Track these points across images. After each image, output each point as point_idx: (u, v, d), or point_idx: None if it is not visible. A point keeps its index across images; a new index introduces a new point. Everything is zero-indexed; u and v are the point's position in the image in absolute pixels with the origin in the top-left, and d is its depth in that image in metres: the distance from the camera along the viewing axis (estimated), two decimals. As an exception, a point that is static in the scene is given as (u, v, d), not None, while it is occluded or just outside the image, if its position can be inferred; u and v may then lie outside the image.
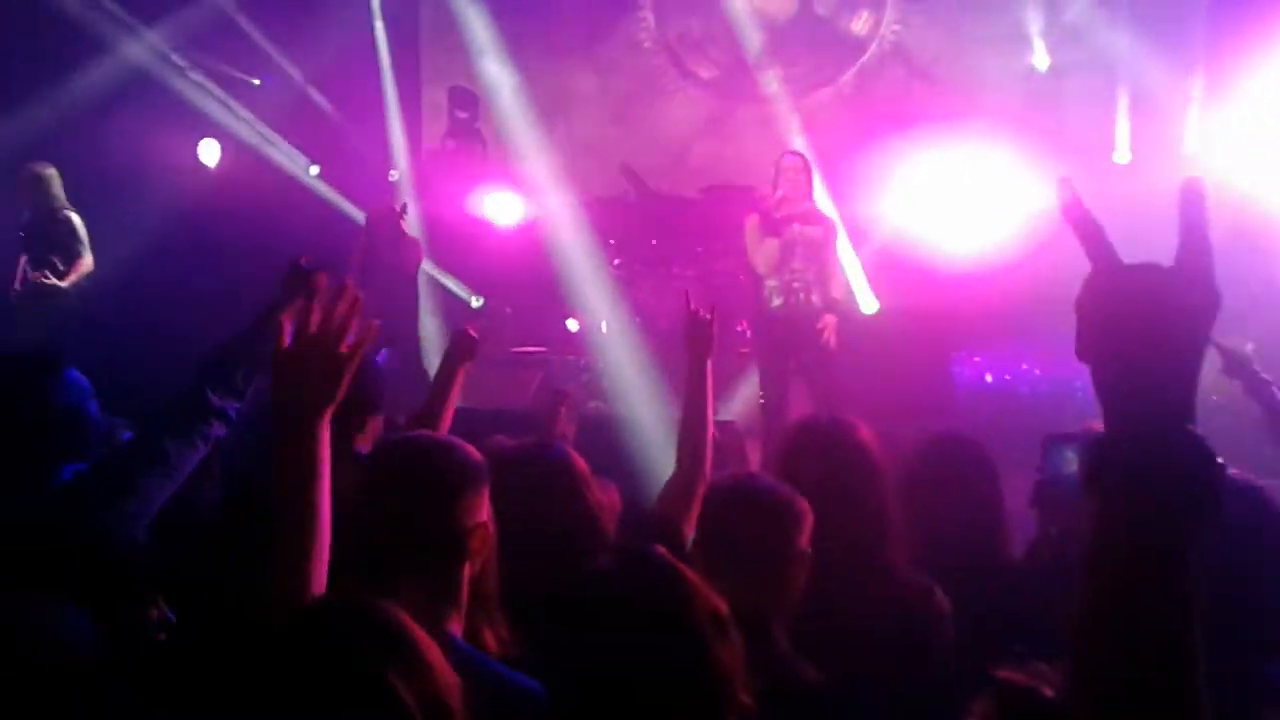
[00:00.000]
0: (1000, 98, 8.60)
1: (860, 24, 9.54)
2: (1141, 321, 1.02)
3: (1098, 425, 1.09)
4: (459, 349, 3.44)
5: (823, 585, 2.39)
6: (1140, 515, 0.99)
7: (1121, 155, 8.66)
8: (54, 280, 7.29)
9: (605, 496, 2.74)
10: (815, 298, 6.27)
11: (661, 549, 1.79)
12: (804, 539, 2.38)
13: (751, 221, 6.39)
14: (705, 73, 9.81)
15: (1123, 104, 8.51)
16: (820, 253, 6.32)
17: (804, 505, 2.40)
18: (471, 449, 2.17)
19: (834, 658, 2.27)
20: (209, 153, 9.13)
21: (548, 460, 2.59)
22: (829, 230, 6.43)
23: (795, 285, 6.24)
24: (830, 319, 6.22)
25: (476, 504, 2.10)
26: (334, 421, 2.82)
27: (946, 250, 8.06)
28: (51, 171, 7.37)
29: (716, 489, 2.56)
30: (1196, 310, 1.03)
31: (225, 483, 2.91)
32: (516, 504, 2.29)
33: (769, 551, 2.33)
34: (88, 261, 7.42)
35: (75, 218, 7.40)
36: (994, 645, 2.77)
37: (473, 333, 3.45)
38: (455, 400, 3.34)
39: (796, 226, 6.25)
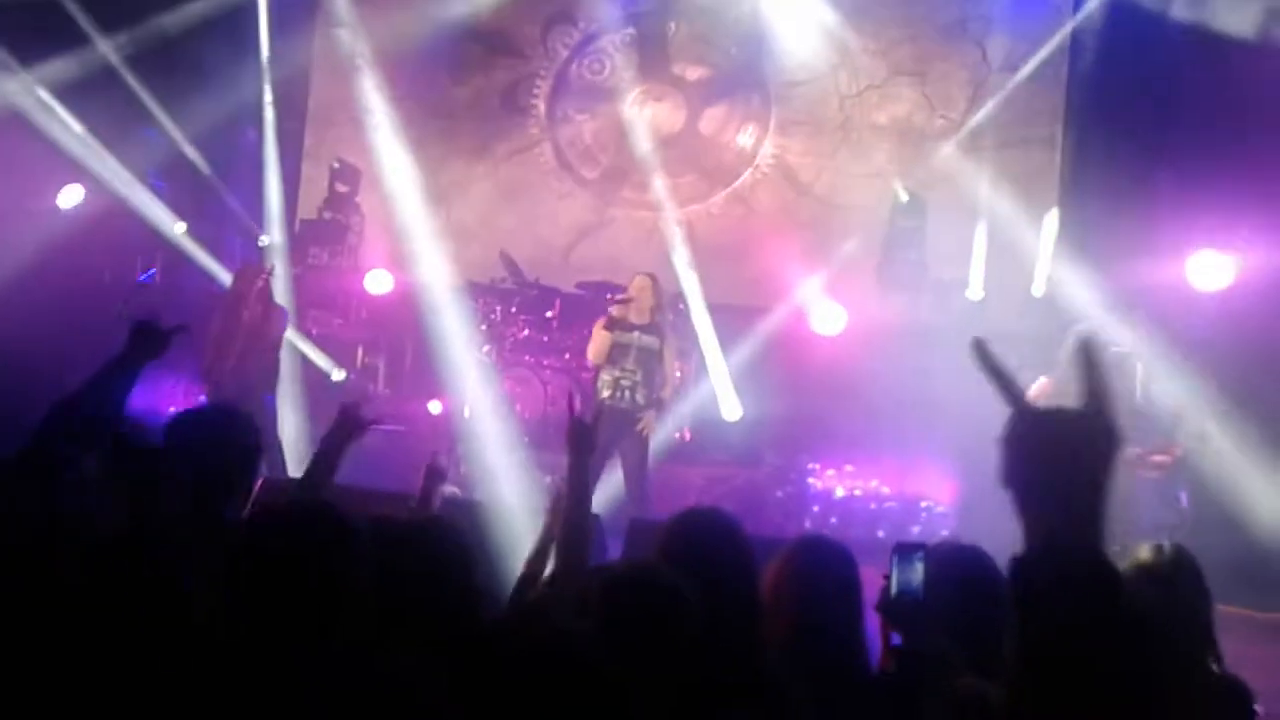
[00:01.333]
0: (870, 224, 9.05)
1: (746, 137, 9.94)
2: (1060, 458, 1.19)
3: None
4: (347, 427, 3.41)
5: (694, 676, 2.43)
6: (1057, 619, 1.15)
7: (974, 292, 9.12)
8: None
9: None
10: (639, 397, 7.05)
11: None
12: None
13: (600, 321, 7.30)
14: (589, 173, 10.05)
15: (979, 244, 9.01)
16: (653, 361, 7.16)
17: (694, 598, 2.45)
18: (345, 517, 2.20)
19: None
20: (69, 197, 8.86)
21: (440, 535, 2.57)
22: (665, 343, 7.29)
23: (624, 382, 7.06)
24: (650, 415, 7.09)
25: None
26: (204, 491, 2.78)
27: (812, 362, 8.37)
28: None
29: (619, 579, 2.56)
30: (1105, 449, 1.20)
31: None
32: (404, 577, 2.30)
33: (671, 641, 2.37)
34: None
35: None
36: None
37: (364, 413, 3.45)
38: (331, 478, 3.30)
39: (637, 334, 7.13)
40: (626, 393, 7.01)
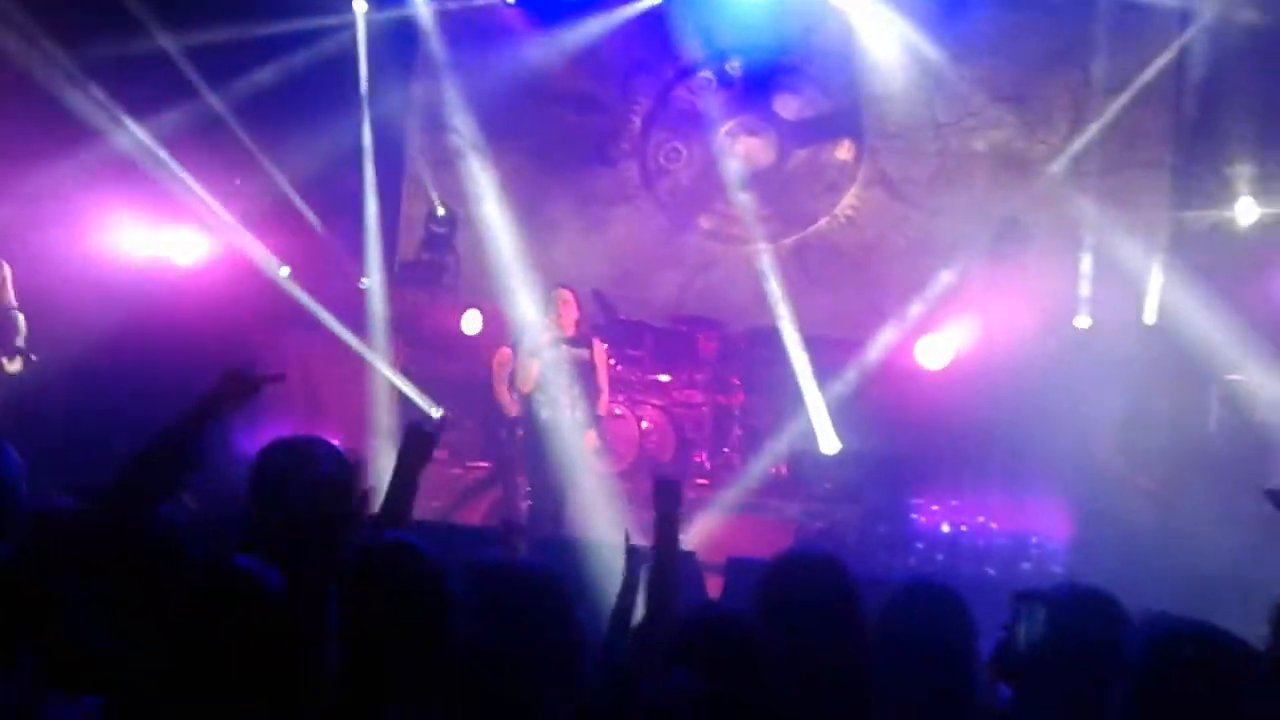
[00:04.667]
0: (970, 253, 8.81)
1: (844, 152, 9.80)
2: None
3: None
4: (414, 447, 3.31)
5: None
6: None
7: (1082, 320, 8.82)
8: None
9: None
10: (578, 412, 7.07)
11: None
12: None
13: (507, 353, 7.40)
14: (681, 209, 10.03)
15: (1085, 269, 8.73)
16: (586, 371, 7.25)
17: None
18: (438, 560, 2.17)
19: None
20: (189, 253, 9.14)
21: (538, 579, 2.52)
22: (594, 353, 7.38)
23: (562, 400, 7.07)
24: (592, 433, 7.14)
25: None
26: (319, 535, 2.73)
27: (914, 395, 8.16)
28: (7, 271, 7.48)
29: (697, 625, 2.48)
30: None
31: None
32: (503, 620, 2.25)
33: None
34: (16, 366, 7.48)
35: (21, 318, 7.52)
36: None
37: (426, 427, 3.35)
38: (413, 505, 3.23)
39: (565, 348, 7.17)
40: (567, 411, 7.06)
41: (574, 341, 7.25)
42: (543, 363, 7.09)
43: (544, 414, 7.11)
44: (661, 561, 3.13)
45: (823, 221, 9.77)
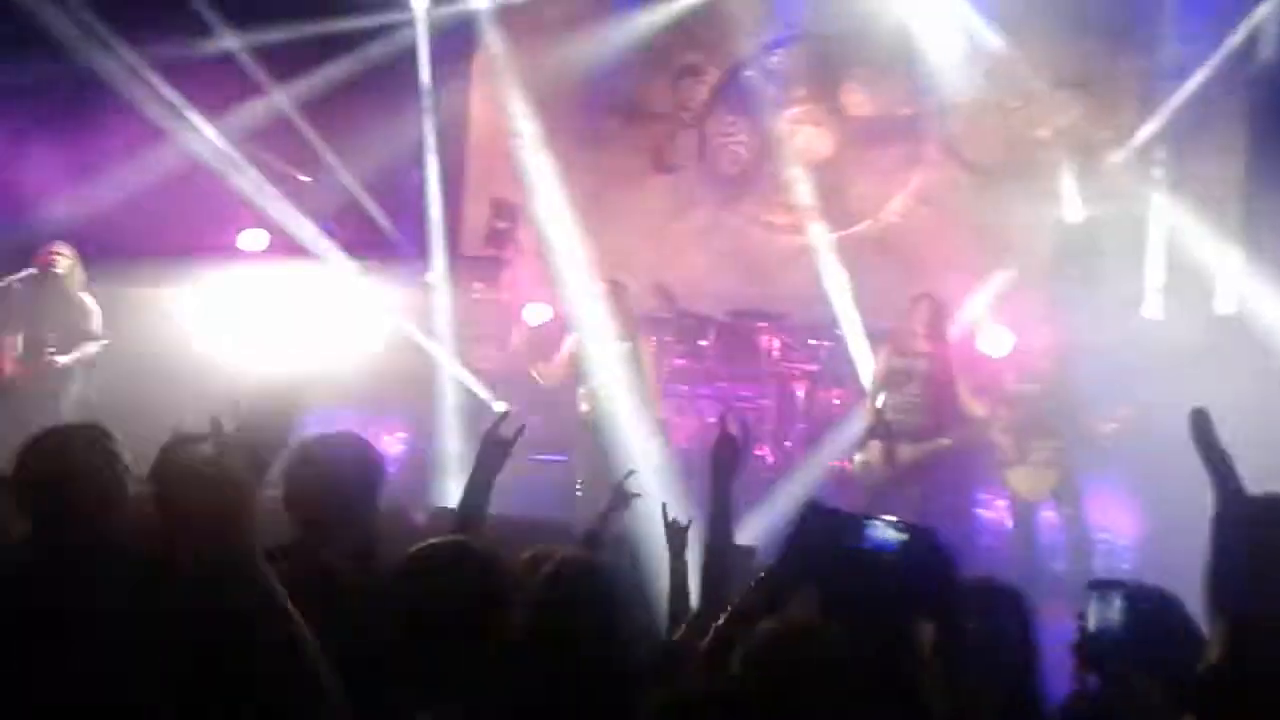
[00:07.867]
0: (1037, 241, 8.69)
1: (902, 150, 9.69)
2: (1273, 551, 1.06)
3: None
4: (490, 450, 3.34)
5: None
6: None
7: (1152, 310, 8.67)
8: (59, 359, 7.24)
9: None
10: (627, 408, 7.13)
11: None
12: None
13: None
14: (738, 197, 10.01)
15: (1155, 259, 8.57)
16: (632, 367, 7.26)
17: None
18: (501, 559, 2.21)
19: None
20: (253, 242, 9.26)
21: (598, 575, 2.50)
22: (639, 348, 7.38)
23: (602, 392, 7.19)
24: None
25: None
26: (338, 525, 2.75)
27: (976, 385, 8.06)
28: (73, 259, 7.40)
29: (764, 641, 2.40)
30: None
31: None
32: (555, 618, 2.28)
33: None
34: (92, 350, 7.38)
35: (90, 301, 7.42)
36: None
37: (504, 433, 3.39)
38: (487, 505, 3.29)
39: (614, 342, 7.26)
40: (604, 403, 7.13)
41: (619, 337, 7.33)
42: (583, 356, 7.27)
43: (583, 407, 7.31)
44: (716, 532, 2.99)
45: (876, 219, 9.69)
